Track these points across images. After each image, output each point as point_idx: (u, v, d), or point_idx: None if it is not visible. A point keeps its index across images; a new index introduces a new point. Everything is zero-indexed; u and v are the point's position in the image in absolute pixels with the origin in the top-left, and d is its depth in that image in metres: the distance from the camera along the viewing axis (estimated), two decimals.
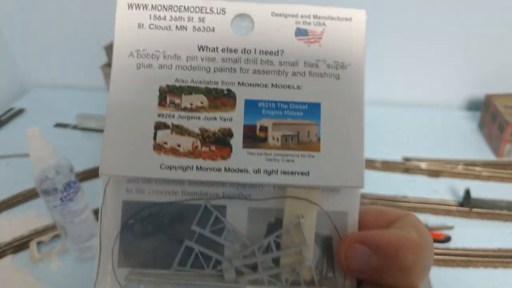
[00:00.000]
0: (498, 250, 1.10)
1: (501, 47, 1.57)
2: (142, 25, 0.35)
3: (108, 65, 1.60)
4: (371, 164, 1.41)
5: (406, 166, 1.39)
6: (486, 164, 1.38)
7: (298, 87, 0.34)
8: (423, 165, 1.38)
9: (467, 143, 1.49)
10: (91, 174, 1.47)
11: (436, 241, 1.13)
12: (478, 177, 1.34)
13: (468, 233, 1.15)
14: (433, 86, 1.70)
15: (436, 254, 1.09)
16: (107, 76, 1.60)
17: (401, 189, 1.31)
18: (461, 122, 1.60)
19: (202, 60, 0.33)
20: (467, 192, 1.20)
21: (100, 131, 1.70)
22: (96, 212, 1.29)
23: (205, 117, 0.33)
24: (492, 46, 1.57)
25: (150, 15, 0.35)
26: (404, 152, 1.46)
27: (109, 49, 1.59)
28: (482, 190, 1.29)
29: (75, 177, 1.05)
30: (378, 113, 1.69)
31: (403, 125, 1.61)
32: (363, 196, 1.28)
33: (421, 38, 1.60)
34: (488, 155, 1.43)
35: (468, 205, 1.21)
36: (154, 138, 0.34)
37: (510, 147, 1.38)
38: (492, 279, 1.04)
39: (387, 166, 1.40)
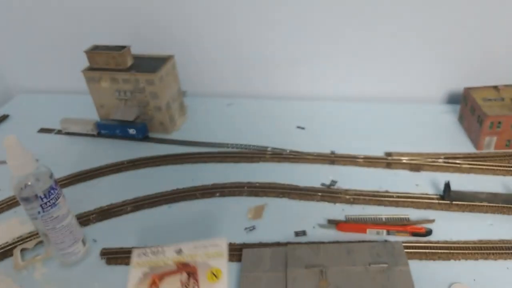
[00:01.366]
0: (479, 241, 1.12)
1: (478, 41, 1.58)
2: None
3: (90, 69, 1.60)
4: (353, 160, 1.42)
5: (388, 161, 1.40)
6: (467, 157, 1.39)
7: None
8: (405, 160, 1.40)
9: (448, 136, 1.51)
10: (75, 179, 1.46)
11: (417, 234, 1.15)
12: (458, 169, 1.35)
13: (449, 226, 1.17)
14: (413, 81, 1.72)
15: (417, 247, 1.11)
16: (89, 80, 1.60)
17: (384, 184, 1.33)
18: (441, 116, 1.62)
19: None
20: (447, 185, 1.22)
21: (84, 135, 1.70)
22: (78, 218, 1.29)
23: None
24: (470, 40, 1.59)
25: None
26: (386, 147, 1.47)
27: (89, 53, 1.58)
28: (463, 182, 1.31)
29: (55, 183, 1.05)
30: (360, 109, 1.70)
31: (385, 121, 1.62)
32: (346, 193, 1.29)
33: (400, 34, 1.61)
34: (468, 148, 1.45)
35: (449, 198, 1.23)
36: None
37: (489, 139, 1.40)
38: (473, 271, 1.05)
39: (369, 161, 1.41)
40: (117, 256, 1.17)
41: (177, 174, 1.46)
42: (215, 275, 0.97)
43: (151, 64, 1.59)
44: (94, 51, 1.58)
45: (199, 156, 1.52)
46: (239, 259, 1.09)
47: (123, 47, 1.58)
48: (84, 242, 1.17)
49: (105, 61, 1.58)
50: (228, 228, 1.22)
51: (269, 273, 1.01)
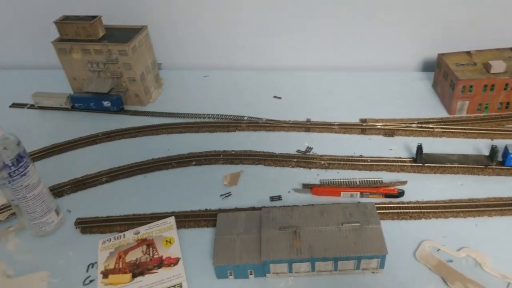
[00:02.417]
0: (449, 201, 1.14)
1: (451, 8, 1.59)
2: None
3: (60, 40, 1.55)
4: (328, 127, 1.43)
5: (362, 127, 1.41)
6: (440, 121, 1.41)
7: None
8: (379, 125, 1.41)
9: (422, 102, 1.52)
10: (49, 152, 1.44)
11: (390, 196, 1.17)
12: (431, 134, 1.37)
13: (421, 187, 1.19)
14: (388, 50, 1.72)
15: (390, 208, 1.13)
16: (60, 51, 1.56)
17: (358, 149, 1.34)
18: (416, 83, 1.63)
19: None
20: (419, 148, 1.24)
21: (57, 109, 1.66)
22: (51, 189, 1.28)
23: None
24: (443, 7, 1.59)
25: None
26: (361, 114, 1.48)
27: (59, 24, 1.54)
28: (436, 146, 1.33)
29: (24, 151, 1.03)
30: (336, 79, 1.71)
31: (360, 89, 1.63)
32: (321, 158, 1.30)
33: (373, 3, 1.60)
34: (441, 113, 1.47)
35: (421, 160, 1.25)
36: None
37: (461, 103, 1.42)
38: (443, 228, 1.08)
39: (344, 128, 1.42)
40: (92, 225, 1.16)
41: (152, 145, 1.44)
42: (168, 242, 1.08)
43: (123, 35, 1.55)
44: (64, 22, 1.54)
45: (174, 127, 1.51)
46: (215, 225, 1.10)
47: (94, 17, 1.54)
48: (57, 212, 1.16)
49: (75, 31, 1.54)
50: (204, 195, 1.23)
51: (243, 235, 1.02)
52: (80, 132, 1.52)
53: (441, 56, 1.51)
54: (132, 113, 1.61)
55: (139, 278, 1.01)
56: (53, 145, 1.47)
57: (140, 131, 1.50)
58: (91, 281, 1.03)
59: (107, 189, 1.29)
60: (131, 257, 1.06)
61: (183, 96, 1.69)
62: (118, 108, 1.60)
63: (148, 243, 1.09)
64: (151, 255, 1.06)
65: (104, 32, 1.58)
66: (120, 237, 1.11)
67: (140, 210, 1.20)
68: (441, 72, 1.51)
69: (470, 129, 1.37)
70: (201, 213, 1.17)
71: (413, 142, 1.35)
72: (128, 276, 1.02)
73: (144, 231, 1.12)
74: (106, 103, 1.59)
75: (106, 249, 1.09)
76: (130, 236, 1.11)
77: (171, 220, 1.14)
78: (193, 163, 1.34)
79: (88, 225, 1.16)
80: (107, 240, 1.11)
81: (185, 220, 1.15)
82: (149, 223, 1.14)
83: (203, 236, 1.11)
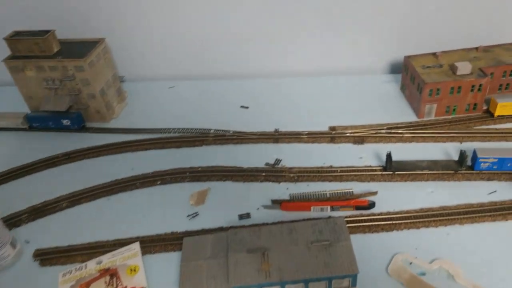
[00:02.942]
0: (420, 210, 1.12)
1: (417, 10, 1.57)
2: None
3: (12, 57, 1.47)
4: (297, 137, 1.40)
5: (332, 135, 1.38)
6: (409, 126, 1.40)
7: None
8: (348, 133, 1.38)
9: (390, 106, 1.51)
10: (5, 178, 1.36)
11: (361, 208, 1.14)
12: (401, 139, 1.35)
13: (392, 197, 1.17)
14: (355, 54, 1.70)
15: (361, 221, 1.10)
16: (12, 69, 1.47)
17: (328, 159, 1.31)
18: (384, 86, 1.62)
19: None
20: (389, 156, 1.22)
21: (13, 129, 1.58)
22: (8, 219, 1.20)
23: None
24: (409, 9, 1.57)
25: None
26: (330, 121, 1.46)
27: (10, 40, 1.45)
28: (405, 152, 1.31)
29: None
30: (303, 85, 1.67)
31: (328, 94, 1.60)
32: (290, 171, 1.27)
33: (339, 7, 1.58)
34: (410, 117, 1.45)
35: (391, 169, 1.23)
36: None
37: (429, 106, 1.41)
38: (415, 239, 1.06)
39: (313, 137, 1.39)
40: (52, 257, 1.10)
41: (116, 165, 1.38)
42: (133, 270, 1.03)
43: (80, 49, 1.48)
44: (15, 38, 1.46)
45: (139, 144, 1.45)
46: (181, 248, 1.05)
47: (47, 32, 1.46)
48: (14, 245, 1.09)
49: (28, 48, 1.46)
50: (170, 217, 1.18)
51: (210, 260, 0.98)
52: (38, 154, 1.44)
53: (407, 58, 1.50)
54: (94, 130, 1.54)
55: None
56: (10, 169, 1.39)
57: (103, 150, 1.44)
58: None
59: (68, 215, 1.22)
60: None
61: (148, 109, 1.63)
62: (79, 126, 1.53)
63: (111, 273, 1.03)
64: (114, 286, 1.00)
65: (59, 47, 1.50)
66: (82, 268, 1.05)
67: (103, 236, 1.14)
68: (408, 75, 1.50)
69: (439, 133, 1.36)
70: (167, 237, 1.12)
71: (383, 149, 1.33)
72: None
73: (107, 260, 1.06)
74: (66, 122, 1.51)
75: (66, 282, 1.03)
76: (92, 266, 1.05)
77: (136, 246, 1.09)
78: (158, 182, 1.29)
79: (47, 257, 1.10)
80: (68, 273, 1.05)
81: (151, 245, 1.10)
82: (112, 250, 1.09)
83: (170, 261, 1.06)
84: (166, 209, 1.20)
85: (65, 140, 1.50)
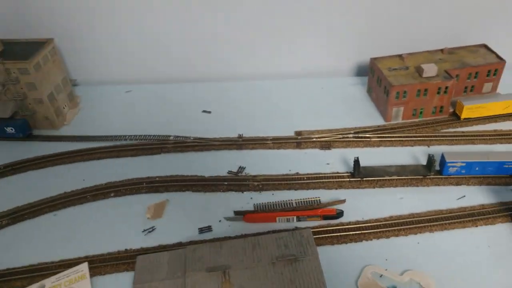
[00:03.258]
0: (390, 218, 1.08)
1: (382, 11, 1.54)
2: None
3: None
4: (262, 142, 1.33)
5: (298, 141, 1.32)
6: (376, 130, 1.36)
7: None
8: (315, 138, 1.33)
9: (357, 109, 1.47)
10: None
11: (329, 217, 1.08)
12: (368, 143, 1.31)
13: (361, 205, 1.12)
14: (320, 55, 1.65)
15: (329, 232, 1.04)
16: None
17: (294, 165, 1.25)
18: (350, 89, 1.58)
19: None
20: (356, 162, 1.17)
21: None
22: None
23: None
24: (374, 10, 1.54)
25: None
26: (295, 126, 1.40)
27: None
28: (373, 156, 1.27)
29: None
30: (268, 88, 1.61)
31: (294, 98, 1.55)
32: (254, 179, 1.20)
33: (304, 9, 1.52)
34: (377, 120, 1.42)
35: (359, 175, 1.17)
36: None
37: (396, 110, 1.37)
38: (385, 250, 1.01)
39: (279, 142, 1.32)
40: None
41: (65, 176, 1.27)
42: None
43: (25, 50, 1.36)
44: None
45: (92, 153, 1.34)
46: (134, 268, 0.95)
47: None
48: None
49: None
50: (124, 233, 1.08)
51: (166, 281, 0.89)
52: None
53: (373, 60, 1.46)
54: (42, 138, 1.42)
55: None
56: None
57: (51, 160, 1.32)
58: None
59: (8, 234, 1.10)
60: None
61: (102, 115, 1.53)
62: (25, 134, 1.40)
63: None
64: None
65: (2, 48, 1.37)
66: None
67: (48, 257, 1.03)
68: (374, 77, 1.46)
69: (406, 137, 1.32)
70: (120, 255, 1.02)
71: (350, 154, 1.28)
72: None
73: (50, 284, 0.95)
74: (10, 129, 1.38)
75: None
76: None
77: (84, 267, 0.98)
78: (112, 195, 1.19)
79: None
80: None
81: (101, 265, 1.00)
82: (57, 273, 0.98)
83: (123, 283, 0.96)
84: (120, 224, 1.10)
85: (9, 150, 1.37)
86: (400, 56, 1.46)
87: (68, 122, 1.49)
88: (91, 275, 0.97)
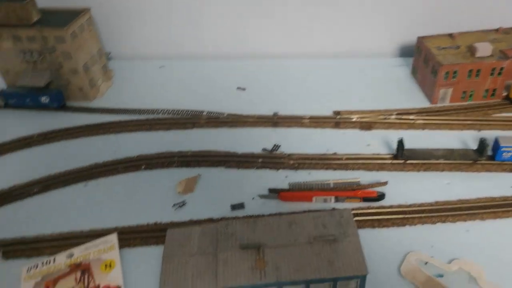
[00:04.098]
0: (436, 203, 1.00)
1: None
2: None
3: None
4: (298, 121, 1.26)
5: (336, 121, 1.25)
6: (421, 112, 1.27)
7: None
8: (355, 118, 1.25)
9: (400, 91, 1.38)
10: None
11: (369, 199, 1.01)
12: (412, 126, 1.23)
13: (404, 188, 1.04)
14: (363, 35, 1.56)
15: (369, 214, 0.98)
16: None
17: (332, 145, 1.18)
18: (393, 70, 1.48)
19: None
20: (400, 143, 1.09)
21: None
22: None
23: None
24: None
25: None
26: (334, 105, 1.32)
27: None
28: (417, 139, 1.18)
29: None
30: (306, 67, 1.54)
31: (333, 78, 1.47)
32: (290, 157, 1.14)
33: None
34: (422, 103, 1.32)
35: (402, 157, 1.10)
36: None
37: (444, 91, 1.28)
38: (431, 236, 0.93)
39: (316, 121, 1.26)
40: (17, 248, 0.96)
41: (97, 147, 1.25)
42: (108, 266, 0.90)
43: (61, 19, 1.34)
44: None
45: (124, 125, 1.31)
46: (164, 242, 0.91)
47: None
48: None
49: (4, 15, 1.31)
50: (154, 206, 1.04)
51: (197, 256, 0.85)
52: (12, 133, 1.30)
53: (421, 39, 1.37)
54: (75, 110, 1.41)
55: None
56: None
57: (84, 131, 1.30)
58: None
59: (39, 201, 1.09)
60: (62, 287, 0.87)
61: (135, 90, 1.50)
62: (59, 104, 1.39)
63: (83, 269, 0.90)
64: (86, 284, 0.87)
65: (39, 16, 1.36)
66: (50, 262, 0.92)
67: (77, 226, 1.01)
68: (421, 57, 1.37)
69: (454, 120, 1.23)
70: (150, 228, 0.99)
71: (392, 135, 1.20)
72: None
73: (79, 253, 0.93)
74: (44, 99, 1.37)
75: (31, 278, 0.89)
76: (61, 260, 0.92)
77: (113, 238, 0.95)
78: (143, 167, 1.16)
79: (11, 248, 0.97)
80: (33, 267, 0.91)
81: (130, 237, 0.97)
82: (86, 242, 0.95)
83: (151, 256, 0.93)
84: (150, 197, 1.07)
85: (43, 120, 1.36)
86: (450, 35, 1.36)
87: (101, 95, 1.47)
88: (120, 247, 0.94)
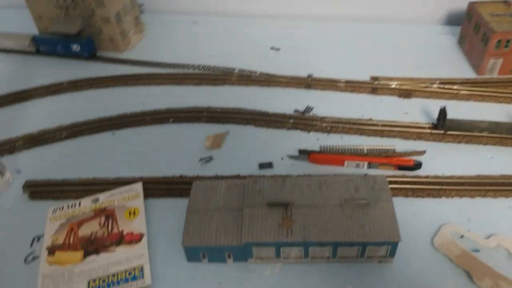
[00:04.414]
0: (476, 177, 0.94)
1: None
2: None
3: None
4: (333, 84, 1.21)
5: (374, 86, 1.19)
6: (466, 82, 1.19)
7: None
8: (394, 85, 1.19)
9: (445, 60, 1.29)
10: (3, 101, 1.22)
11: (404, 168, 0.96)
12: (455, 96, 1.15)
13: (442, 159, 0.98)
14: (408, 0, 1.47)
15: (404, 183, 0.93)
16: None
17: (367, 111, 1.13)
18: (438, 38, 1.40)
19: None
20: (443, 112, 1.02)
21: (19, 52, 1.44)
22: (1, 144, 1.08)
23: None
24: None
25: None
26: (372, 71, 1.26)
27: None
28: (460, 111, 1.11)
29: None
30: (345, 30, 1.46)
31: (373, 42, 1.39)
32: (323, 120, 1.09)
33: None
34: (468, 73, 1.24)
35: (443, 127, 1.03)
36: None
37: (493, 62, 1.19)
38: (468, 210, 0.88)
39: (352, 86, 1.20)
40: (44, 190, 0.97)
41: (126, 98, 1.23)
42: (132, 213, 0.89)
43: None
44: None
45: (154, 78, 1.29)
46: (189, 195, 0.89)
47: None
48: (2, 172, 0.96)
49: None
50: (180, 159, 1.02)
51: (222, 209, 0.83)
52: (42, 79, 1.30)
53: (472, 4, 1.27)
54: (106, 60, 1.39)
55: (92, 257, 0.82)
56: (9, 93, 1.25)
57: (113, 81, 1.29)
58: (34, 258, 0.84)
59: (67, 147, 1.09)
60: (85, 230, 0.87)
61: (166, 44, 1.46)
62: (90, 53, 1.37)
63: (107, 214, 0.89)
64: (109, 229, 0.87)
65: None
66: (75, 206, 0.91)
67: (103, 173, 1.00)
68: (471, 24, 1.27)
69: (502, 93, 1.15)
70: (175, 180, 0.97)
71: (433, 105, 1.13)
72: (79, 254, 0.83)
73: (104, 199, 0.92)
74: (75, 47, 1.36)
75: (56, 219, 0.89)
76: (87, 204, 0.92)
77: (138, 186, 0.94)
78: (171, 120, 1.14)
79: (39, 189, 0.97)
80: (59, 209, 0.91)
81: (155, 187, 0.96)
82: (111, 189, 0.94)
83: (176, 208, 0.91)
84: (177, 150, 1.05)
85: (73, 68, 1.35)
86: (505, 2, 1.26)
87: (132, 47, 1.44)
88: (145, 197, 0.93)
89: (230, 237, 0.78)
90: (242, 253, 0.78)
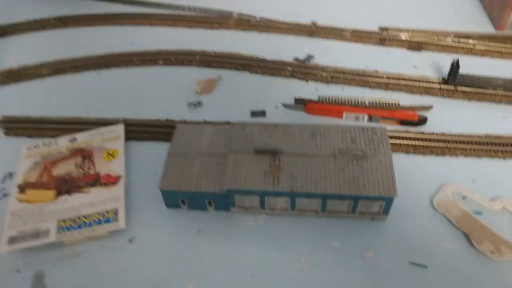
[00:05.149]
0: (486, 136, 0.86)
1: None
2: None
3: None
4: (338, 33, 1.12)
5: (382, 37, 1.10)
6: (483, 37, 1.09)
7: None
8: (403, 36, 1.09)
9: (462, 13, 1.19)
10: None
11: (408, 123, 0.89)
12: (470, 51, 1.06)
13: (450, 116, 0.91)
14: None
15: (406, 138, 0.86)
16: None
17: (373, 63, 1.04)
18: None
19: None
20: (456, 65, 0.93)
21: None
22: None
23: None
24: None
25: None
26: (381, 20, 1.16)
27: None
28: (474, 67, 1.02)
29: None
30: None
31: None
32: (323, 69, 1.01)
33: None
34: (486, 27, 1.14)
35: (454, 82, 0.95)
36: None
37: None
38: (474, 170, 0.81)
39: (358, 35, 1.10)
40: (19, 126, 0.90)
41: (114, 37, 1.15)
42: (111, 155, 0.83)
43: None
44: None
45: (145, 18, 1.20)
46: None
47: None
48: None
49: None
50: (167, 102, 0.95)
51: (206, 154, 0.76)
52: (28, 14, 1.21)
53: None
54: None
55: (65, 197, 0.76)
56: None
57: (101, 19, 1.20)
58: (5, 194, 0.79)
59: (48, 84, 1.02)
60: (60, 170, 0.81)
61: None
62: None
63: (84, 155, 0.83)
64: (86, 169, 0.81)
65: None
66: (51, 144, 0.85)
67: (85, 113, 0.94)
68: None
69: None
70: (160, 123, 0.90)
71: (445, 60, 1.04)
72: (51, 193, 0.77)
73: (82, 139, 0.86)
74: None
75: (30, 157, 0.83)
76: (63, 143, 0.86)
77: (119, 128, 0.88)
78: (160, 62, 1.06)
79: (15, 126, 0.91)
80: (34, 146, 0.85)
81: (138, 130, 0.89)
82: (91, 129, 0.88)
83: (159, 152, 0.84)
84: (164, 93, 0.98)
85: (61, 3, 1.26)
86: None
87: None
88: (126, 139, 0.87)
89: (212, 183, 0.72)
90: (224, 201, 0.73)
